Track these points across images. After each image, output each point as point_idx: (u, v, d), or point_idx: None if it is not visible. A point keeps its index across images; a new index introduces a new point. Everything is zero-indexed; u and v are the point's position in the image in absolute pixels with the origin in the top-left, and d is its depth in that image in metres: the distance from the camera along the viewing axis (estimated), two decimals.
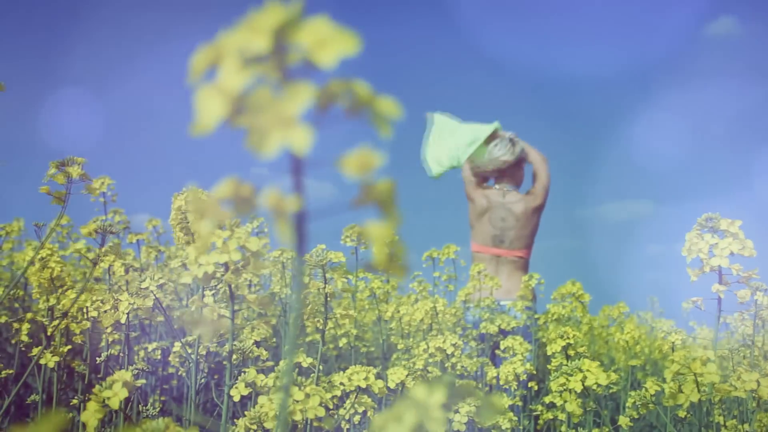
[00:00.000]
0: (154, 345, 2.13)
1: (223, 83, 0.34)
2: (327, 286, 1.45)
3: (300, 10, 0.35)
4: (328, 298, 1.47)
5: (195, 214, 0.37)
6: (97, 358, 1.83)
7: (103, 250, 1.57)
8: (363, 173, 0.36)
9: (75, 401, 1.82)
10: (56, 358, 1.70)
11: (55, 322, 1.61)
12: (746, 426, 1.55)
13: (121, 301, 1.60)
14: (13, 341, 1.72)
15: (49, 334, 1.57)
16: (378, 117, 0.36)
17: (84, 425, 1.16)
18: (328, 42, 0.34)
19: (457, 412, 1.59)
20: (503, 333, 2.48)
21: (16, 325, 1.69)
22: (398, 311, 2.50)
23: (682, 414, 1.66)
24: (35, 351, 1.61)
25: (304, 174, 0.37)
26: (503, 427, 1.79)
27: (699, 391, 1.38)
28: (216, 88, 0.34)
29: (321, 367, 1.56)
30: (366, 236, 0.38)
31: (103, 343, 1.87)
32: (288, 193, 0.37)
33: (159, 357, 2.14)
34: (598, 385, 1.53)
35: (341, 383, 1.45)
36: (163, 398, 2.22)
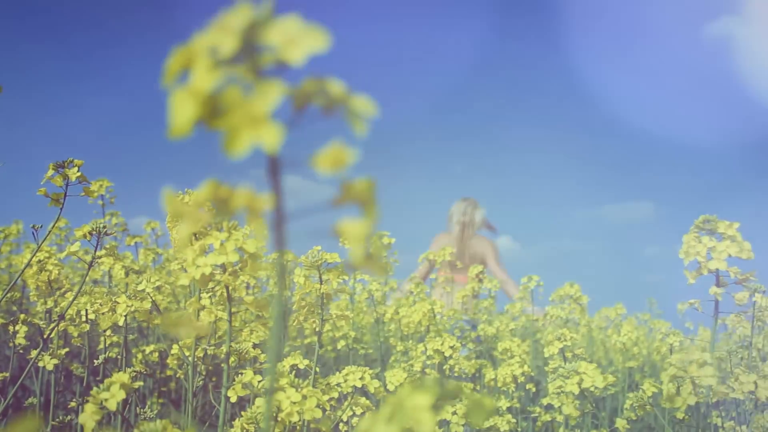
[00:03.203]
0: (152, 347, 2.13)
1: (194, 85, 0.35)
2: (323, 286, 1.45)
3: (270, 9, 0.35)
4: (325, 300, 1.47)
5: (173, 217, 0.37)
6: (95, 361, 1.83)
7: (99, 252, 1.57)
8: (336, 169, 0.36)
9: (73, 404, 1.82)
10: (55, 361, 1.70)
11: (53, 325, 1.61)
12: (744, 428, 1.55)
13: (119, 303, 1.60)
14: (10, 344, 1.72)
15: (46, 336, 1.57)
16: (353, 115, 0.36)
17: (82, 427, 1.17)
18: (297, 39, 0.34)
19: (455, 413, 1.59)
20: None
21: (11, 328, 1.69)
22: (397, 313, 2.49)
23: (680, 416, 1.65)
24: (33, 353, 1.61)
25: (281, 172, 0.37)
26: (501, 429, 1.78)
27: (696, 393, 1.37)
28: (188, 90, 0.35)
29: (317, 369, 1.55)
30: (341, 235, 0.38)
31: (101, 346, 1.88)
32: (264, 192, 0.37)
33: (157, 359, 2.14)
34: (596, 387, 1.52)
35: (337, 384, 1.45)
36: (161, 400, 2.22)
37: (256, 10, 0.35)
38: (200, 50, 0.35)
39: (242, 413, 1.36)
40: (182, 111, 0.34)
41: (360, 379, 1.51)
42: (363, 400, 1.60)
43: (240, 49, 0.35)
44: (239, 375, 1.42)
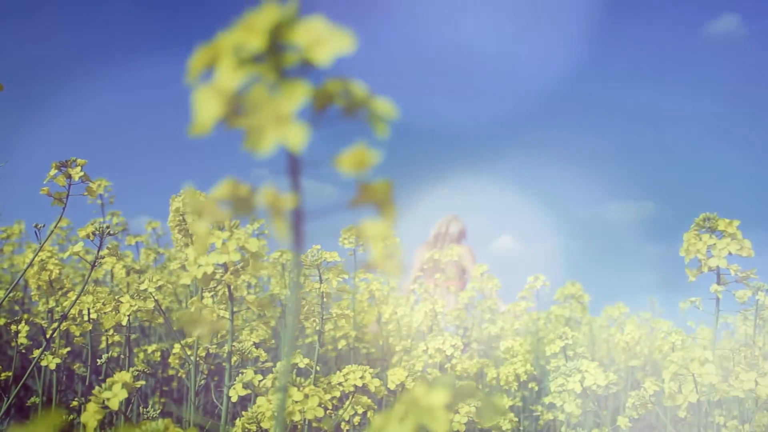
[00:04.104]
0: (154, 347, 2.13)
1: (219, 83, 0.35)
2: (323, 285, 1.45)
3: (295, 9, 0.35)
4: (325, 298, 1.47)
5: (193, 214, 0.37)
6: (97, 360, 1.83)
7: (102, 252, 1.57)
8: (359, 171, 0.36)
9: (75, 403, 1.82)
10: (57, 360, 1.70)
11: (55, 324, 1.61)
12: (746, 426, 1.55)
13: (122, 303, 1.60)
14: (12, 344, 1.72)
15: (48, 336, 1.57)
16: (374, 116, 0.36)
17: (84, 426, 1.17)
18: (323, 40, 0.34)
19: (456, 412, 1.59)
20: None
21: (14, 327, 1.69)
22: (396, 312, 2.49)
23: (681, 414, 1.65)
24: (35, 353, 1.61)
25: (301, 172, 0.37)
26: (504, 428, 1.79)
27: (697, 391, 1.38)
28: (213, 88, 0.35)
29: (318, 368, 1.55)
30: (363, 235, 0.38)
31: (103, 345, 1.87)
32: (285, 192, 0.37)
33: (159, 359, 2.14)
34: (598, 386, 1.53)
35: (338, 383, 1.45)
36: (163, 400, 2.22)
37: (281, 10, 0.35)
38: (225, 48, 0.35)
39: (244, 412, 1.36)
40: (206, 109, 0.34)
41: (360, 378, 1.51)
42: (364, 399, 1.60)
43: (266, 49, 0.35)
44: (241, 374, 1.42)
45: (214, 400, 1.83)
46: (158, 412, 1.71)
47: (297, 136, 0.34)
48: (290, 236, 0.39)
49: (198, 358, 1.68)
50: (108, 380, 1.20)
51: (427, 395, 0.50)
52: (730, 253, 1.46)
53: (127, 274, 2.01)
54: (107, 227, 1.50)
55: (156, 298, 1.65)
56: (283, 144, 0.34)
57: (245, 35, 0.34)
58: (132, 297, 1.58)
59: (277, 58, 0.35)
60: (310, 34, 0.34)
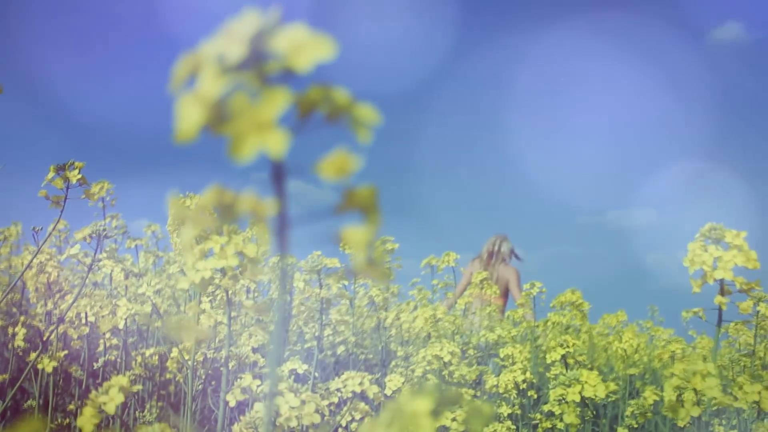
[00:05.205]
0: (152, 350, 2.13)
1: (201, 91, 0.35)
2: (322, 291, 1.45)
3: (277, 17, 0.35)
4: (324, 304, 1.47)
5: (178, 222, 0.37)
6: (94, 363, 1.83)
7: (100, 255, 1.57)
8: (340, 177, 0.37)
9: (72, 406, 1.82)
10: (54, 363, 1.70)
11: (52, 327, 1.61)
12: None
13: (119, 306, 1.61)
14: (9, 346, 1.72)
15: (45, 338, 1.57)
16: (357, 123, 0.37)
17: (80, 430, 1.17)
18: (304, 47, 0.35)
19: (454, 420, 1.58)
20: None
21: (11, 330, 1.69)
22: (398, 318, 2.49)
23: (681, 424, 1.64)
24: (32, 356, 1.61)
25: (285, 178, 0.37)
26: None
27: (699, 405, 1.36)
28: (195, 95, 0.35)
29: (317, 374, 1.55)
30: (344, 242, 0.38)
31: (100, 348, 1.87)
32: (268, 198, 0.38)
33: (156, 362, 2.14)
34: (597, 396, 1.52)
35: (337, 389, 1.45)
36: (160, 404, 2.21)
37: (263, 18, 0.35)
38: (207, 57, 0.35)
39: (241, 418, 1.35)
40: (188, 116, 0.35)
41: (359, 384, 1.51)
42: (362, 405, 1.59)
43: (247, 56, 0.35)
44: (238, 379, 1.42)
45: (211, 406, 1.83)
46: (155, 416, 1.71)
47: (278, 143, 0.34)
48: (275, 242, 0.39)
49: (196, 363, 1.68)
50: (105, 384, 1.20)
51: (412, 402, 0.50)
52: (735, 265, 1.45)
53: (126, 277, 2.01)
54: (104, 230, 1.51)
55: (154, 301, 1.65)
56: (264, 150, 0.34)
57: (226, 43, 0.35)
58: (129, 300, 1.58)
59: (259, 65, 0.35)
60: (291, 41, 0.35)
